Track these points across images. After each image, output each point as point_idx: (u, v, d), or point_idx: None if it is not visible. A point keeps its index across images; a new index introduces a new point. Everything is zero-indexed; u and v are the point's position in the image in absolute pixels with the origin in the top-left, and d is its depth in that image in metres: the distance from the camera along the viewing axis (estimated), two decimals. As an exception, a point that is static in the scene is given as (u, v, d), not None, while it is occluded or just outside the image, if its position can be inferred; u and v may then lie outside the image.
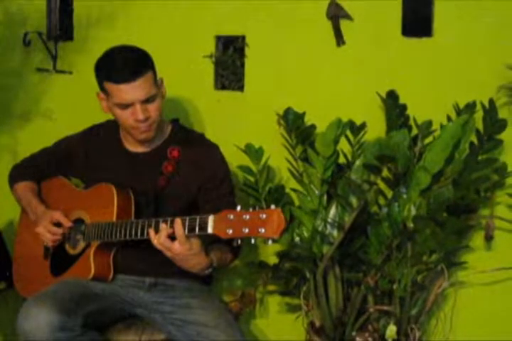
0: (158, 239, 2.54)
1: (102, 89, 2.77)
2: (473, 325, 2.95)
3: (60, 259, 2.90)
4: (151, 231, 2.56)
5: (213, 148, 2.92)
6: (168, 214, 2.63)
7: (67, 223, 2.85)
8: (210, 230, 2.46)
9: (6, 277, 3.11)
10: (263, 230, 2.37)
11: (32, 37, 3.37)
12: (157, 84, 2.77)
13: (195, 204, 2.84)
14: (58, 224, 2.87)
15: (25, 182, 3.04)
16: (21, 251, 3.08)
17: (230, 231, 2.41)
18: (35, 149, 3.09)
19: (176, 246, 2.53)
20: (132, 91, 2.70)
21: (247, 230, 2.39)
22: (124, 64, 2.71)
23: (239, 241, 2.45)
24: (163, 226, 2.54)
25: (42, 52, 3.42)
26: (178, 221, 2.51)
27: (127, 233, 2.66)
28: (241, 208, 2.44)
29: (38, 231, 2.87)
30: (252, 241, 2.43)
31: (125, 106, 2.72)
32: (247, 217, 2.40)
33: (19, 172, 3.08)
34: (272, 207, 2.40)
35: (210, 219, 2.46)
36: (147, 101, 2.73)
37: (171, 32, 3.24)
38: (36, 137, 3.38)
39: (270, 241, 2.41)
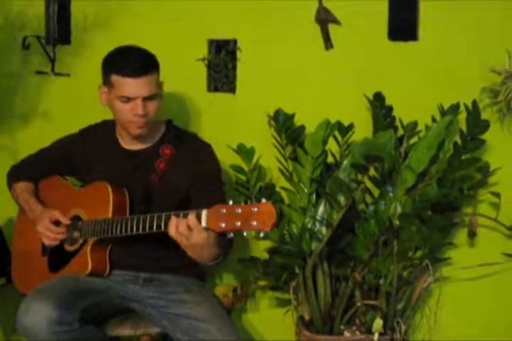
0: (178, 228, 2.53)
1: (107, 82, 2.82)
2: (457, 319, 3.01)
3: (57, 256, 2.93)
4: (174, 219, 2.55)
5: (205, 146, 2.95)
6: (158, 211, 2.66)
7: (66, 221, 2.89)
8: (203, 224, 2.49)
9: (6, 273, 3.13)
10: (255, 223, 2.38)
11: (31, 41, 3.39)
12: (159, 85, 2.84)
13: (186, 201, 2.87)
14: (57, 223, 2.91)
15: (23, 182, 3.07)
16: (19, 247, 3.11)
17: (223, 225, 2.43)
18: (34, 150, 3.12)
19: (195, 234, 2.53)
20: (138, 86, 2.76)
21: (239, 223, 2.40)
22: (137, 60, 2.78)
23: (231, 234, 2.47)
24: (175, 218, 2.55)
25: (41, 55, 3.44)
26: (191, 213, 2.52)
27: (123, 229, 2.70)
28: (233, 202, 2.46)
29: (39, 230, 2.90)
30: (245, 233, 2.44)
31: (127, 99, 2.78)
32: (239, 210, 2.41)
33: (17, 173, 3.11)
34: (263, 200, 2.42)
35: (204, 213, 2.49)
36: (148, 98, 2.79)
37: (165, 36, 3.27)
38: (35, 138, 3.39)
39: (262, 234, 2.43)
